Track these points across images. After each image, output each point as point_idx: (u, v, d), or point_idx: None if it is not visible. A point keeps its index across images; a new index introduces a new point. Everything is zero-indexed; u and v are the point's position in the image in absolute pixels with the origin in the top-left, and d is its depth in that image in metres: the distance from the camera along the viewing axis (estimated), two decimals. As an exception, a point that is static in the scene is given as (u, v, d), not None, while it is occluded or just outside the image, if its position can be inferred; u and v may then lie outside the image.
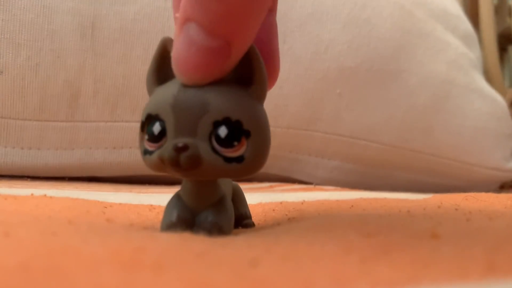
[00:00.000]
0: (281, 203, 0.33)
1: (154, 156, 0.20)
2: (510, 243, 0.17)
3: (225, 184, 0.24)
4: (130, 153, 0.53)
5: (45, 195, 0.31)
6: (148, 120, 0.21)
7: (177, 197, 0.22)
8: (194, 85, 0.20)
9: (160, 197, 0.36)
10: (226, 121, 0.20)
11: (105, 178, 0.53)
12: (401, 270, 0.14)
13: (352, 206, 0.32)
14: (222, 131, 0.19)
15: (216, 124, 0.20)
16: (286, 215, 0.28)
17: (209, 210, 0.21)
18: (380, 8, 0.65)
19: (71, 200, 0.30)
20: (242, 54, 0.20)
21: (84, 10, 0.50)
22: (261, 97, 0.21)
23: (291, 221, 0.25)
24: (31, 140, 0.49)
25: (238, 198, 0.27)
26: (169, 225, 0.21)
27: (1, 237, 0.16)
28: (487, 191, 0.50)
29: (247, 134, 0.20)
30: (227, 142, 0.20)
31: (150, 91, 0.22)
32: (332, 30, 0.60)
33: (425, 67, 0.65)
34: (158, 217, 0.28)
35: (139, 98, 0.52)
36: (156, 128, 0.20)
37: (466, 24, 0.76)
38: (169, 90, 0.20)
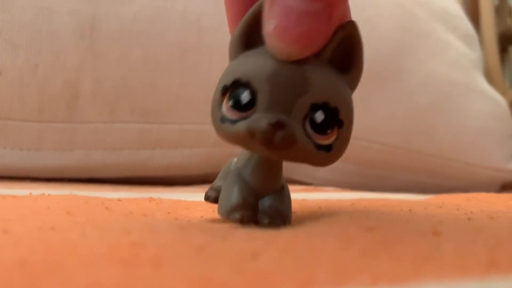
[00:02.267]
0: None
1: (241, 127, 0.18)
2: (512, 240, 0.17)
3: None
4: (129, 154, 0.52)
5: (43, 194, 0.31)
6: (235, 86, 0.19)
7: (239, 175, 0.20)
8: (293, 58, 0.18)
9: (160, 194, 0.35)
10: (324, 106, 0.19)
11: (104, 179, 0.53)
12: (402, 264, 0.13)
13: (353, 204, 0.31)
14: (319, 116, 0.18)
15: (314, 108, 0.18)
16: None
17: (273, 196, 0.20)
18: (381, 8, 0.64)
19: (69, 195, 0.30)
20: (341, 17, 0.19)
21: (83, 11, 0.50)
22: (355, 86, 0.20)
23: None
24: (30, 141, 0.49)
25: None
26: (235, 207, 0.19)
27: (-1, 233, 0.16)
28: (488, 191, 0.50)
29: (341, 124, 0.19)
30: (321, 129, 0.19)
31: (234, 55, 0.20)
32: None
33: (425, 67, 0.65)
34: (157, 207, 0.28)
35: (139, 99, 0.52)
36: (245, 96, 0.19)
37: (466, 24, 0.76)
38: (264, 59, 0.19)
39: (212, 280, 0.12)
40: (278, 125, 0.18)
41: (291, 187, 0.51)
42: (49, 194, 0.30)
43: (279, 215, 0.20)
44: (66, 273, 0.12)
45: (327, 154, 0.19)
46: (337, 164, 0.65)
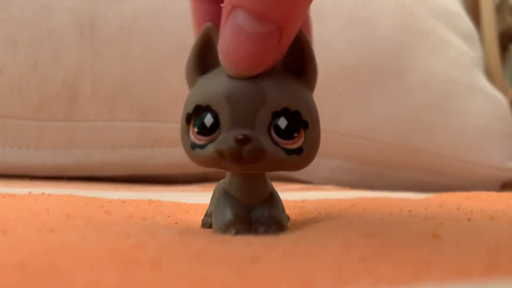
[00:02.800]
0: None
1: (209, 150, 0.19)
2: (513, 241, 0.17)
3: None
4: (129, 152, 0.52)
5: (43, 193, 0.31)
6: (197, 112, 0.20)
7: (225, 194, 0.21)
8: (244, 76, 0.19)
9: (159, 195, 0.35)
10: (285, 112, 0.19)
11: (104, 177, 0.52)
12: (403, 268, 0.13)
13: (353, 205, 0.31)
14: (282, 122, 0.19)
15: (275, 115, 0.19)
16: (286, 213, 0.28)
17: (263, 205, 0.20)
18: (381, 7, 0.64)
19: (69, 196, 0.30)
20: (292, 39, 0.19)
21: (82, 8, 0.50)
22: (313, 87, 0.21)
23: (291, 221, 0.25)
24: (29, 139, 0.49)
25: None
26: (228, 224, 0.20)
27: (-2, 234, 0.16)
28: (489, 190, 0.50)
29: (306, 125, 0.19)
30: (287, 134, 0.19)
31: (192, 82, 0.21)
32: (332, 29, 0.60)
33: (426, 66, 0.65)
34: (157, 210, 0.28)
35: (138, 97, 0.52)
36: (208, 120, 0.19)
37: (467, 23, 0.76)
38: (219, 80, 0.19)
39: (212, 283, 0.12)
40: (243, 140, 0.18)
41: (291, 186, 0.52)
42: (48, 194, 0.30)
43: (273, 222, 0.20)
44: (65, 275, 0.12)
45: (299, 157, 0.19)
46: (337, 162, 0.65)
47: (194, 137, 0.20)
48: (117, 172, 0.53)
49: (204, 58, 0.21)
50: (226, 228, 0.20)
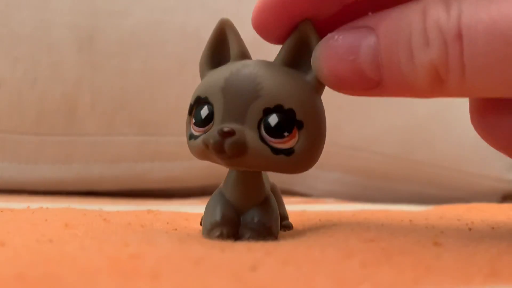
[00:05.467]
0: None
1: (199, 141, 0.19)
2: (513, 250, 0.17)
3: (265, 182, 0.22)
4: (128, 167, 0.52)
5: (41, 207, 0.31)
6: (197, 103, 0.20)
7: (220, 194, 0.21)
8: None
9: (158, 207, 0.35)
10: (277, 109, 0.18)
11: (103, 192, 0.52)
12: (403, 274, 0.13)
13: (354, 215, 0.31)
14: (273, 119, 0.18)
15: (267, 112, 0.18)
16: (290, 222, 0.28)
17: (255, 209, 0.20)
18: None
19: (68, 208, 0.30)
20: None
21: (82, 23, 0.50)
22: (320, 87, 0.20)
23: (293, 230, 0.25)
24: (28, 154, 0.49)
25: (276, 197, 0.24)
26: (214, 225, 0.19)
27: (-3, 246, 0.16)
28: (489, 202, 0.50)
29: (300, 125, 0.19)
30: (276, 132, 0.18)
31: (203, 75, 0.21)
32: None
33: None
34: (156, 218, 0.27)
35: (137, 111, 0.52)
36: (204, 111, 0.19)
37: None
38: (221, 73, 0.19)
39: (212, 292, 0.12)
40: (226, 133, 0.18)
41: (291, 199, 0.52)
42: (47, 207, 0.30)
43: (261, 228, 0.20)
44: (64, 286, 0.12)
45: (288, 157, 0.19)
46: (337, 175, 0.65)
47: (192, 128, 0.20)
48: (116, 187, 0.53)
49: (217, 52, 0.21)
50: (211, 229, 0.19)
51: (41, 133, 0.49)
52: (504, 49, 0.16)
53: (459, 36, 0.16)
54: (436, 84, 0.17)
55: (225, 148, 0.18)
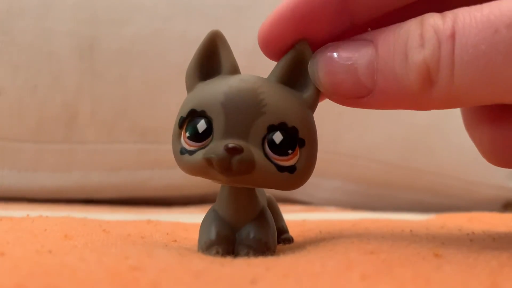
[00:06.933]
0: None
1: (197, 157, 0.18)
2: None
3: (260, 196, 0.21)
4: (128, 174, 0.52)
5: (40, 216, 0.31)
6: (191, 116, 0.19)
7: (213, 212, 0.20)
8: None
9: (158, 216, 0.35)
10: (282, 127, 0.18)
11: (102, 200, 0.52)
12: (403, 286, 0.13)
13: (354, 225, 0.31)
14: (277, 137, 0.18)
15: (271, 129, 0.18)
16: (290, 235, 0.28)
17: (250, 225, 0.20)
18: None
19: (67, 217, 0.30)
20: None
21: (82, 32, 0.50)
22: (314, 105, 0.20)
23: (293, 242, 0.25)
24: (28, 162, 0.49)
25: (273, 211, 0.24)
26: (209, 244, 0.19)
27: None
28: (491, 210, 0.50)
29: (302, 143, 0.19)
30: (281, 150, 0.18)
31: (191, 86, 0.20)
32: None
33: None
34: (155, 228, 0.27)
35: (137, 119, 0.52)
36: (201, 125, 0.19)
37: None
38: (219, 86, 0.19)
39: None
40: (234, 150, 0.17)
41: (291, 207, 0.51)
42: (46, 216, 0.30)
43: (257, 244, 0.19)
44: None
45: (291, 175, 0.19)
46: (338, 183, 0.65)
47: (185, 142, 0.19)
48: (116, 194, 0.53)
49: (206, 64, 0.20)
50: (207, 248, 0.19)
51: (41, 141, 0.49)
52: (492, 38, 0.16)
53: (452, 35, 0.17)
54: (427, 85, 0.18)
55: (232, 165, 0.17)
